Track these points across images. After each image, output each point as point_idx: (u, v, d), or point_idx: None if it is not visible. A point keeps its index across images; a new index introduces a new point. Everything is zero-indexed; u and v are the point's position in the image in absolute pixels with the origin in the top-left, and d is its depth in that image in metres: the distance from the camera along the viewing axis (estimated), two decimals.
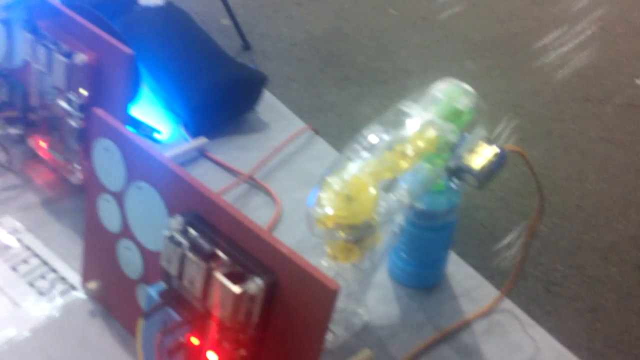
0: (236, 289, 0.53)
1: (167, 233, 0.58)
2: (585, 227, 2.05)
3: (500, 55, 2.78)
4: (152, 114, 1.02)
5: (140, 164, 0.64)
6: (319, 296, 0.53)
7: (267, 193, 0.91)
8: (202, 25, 1.15)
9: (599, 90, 2.59)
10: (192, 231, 0.58)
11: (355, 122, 0.65)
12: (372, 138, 0.65)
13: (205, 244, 0.56)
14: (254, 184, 0.92)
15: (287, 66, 2.66)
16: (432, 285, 0.79)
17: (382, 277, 0.79)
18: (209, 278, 0.56)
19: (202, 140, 0.97)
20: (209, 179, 0.90)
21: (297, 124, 1.02)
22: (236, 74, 1.01)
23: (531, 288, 1.87)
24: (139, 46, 1.05)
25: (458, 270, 0.81)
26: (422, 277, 0.78)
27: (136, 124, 0.93)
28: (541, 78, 2.66)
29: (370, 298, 0.76)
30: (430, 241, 0.74)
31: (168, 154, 0.93)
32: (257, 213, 0.87)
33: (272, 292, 0.55)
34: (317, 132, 1.00)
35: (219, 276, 0.54)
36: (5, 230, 0.82)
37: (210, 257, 0.56)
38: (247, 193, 0.90)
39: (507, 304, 0.77)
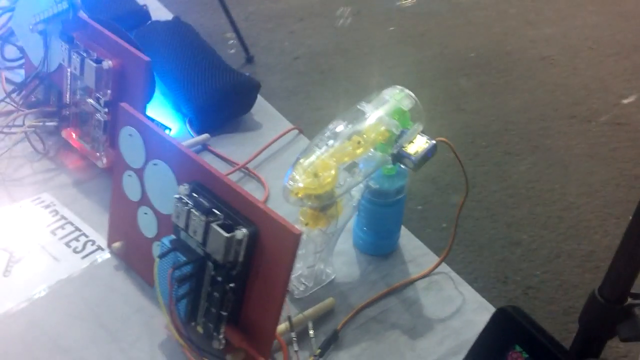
0: (226, 234, 0.76)
1: (177, 196, 0.81)
2: (565, 237, 2.27)
3: (493, 73, 3.02)
4: (163, 114, 1.24)
5: (156, 146, 0.87)
6: (287, 239, 0.75)
7: (258, 180, 1.12)
8: (207, 38, 1.37)
9: (586, 108, 2.82)
10: (195, 195, 0.81)
11: None
12: (335, 129, 0.89)
13: (204, 203, 0.79)
14: (247, 173, 1.13)
15: (288, 79, 2.90)
16: (387, 254, 1.01)
17: (347, 247, 1.02)
18: (207, 228, 0.78)
19: (205, 136, 1.18)
20: None
21: (285, 124, 1.24)
22: (234, 80, 1.22)
23: (510, 291, 2.09)
24: (151, 55, 1.29)
25: (409, 243, 1.03)
26: (378, 246, 1.01)
27: (150, 121, 1.17)
28: (531, 96, 2.90)
29: (337, 261, 0.99)
30: (383, 215, 0.97)
31: None
32: None
33: (254, 238, 0.78)
34: (301, 131, 1.24)
35: (214, 226, 0.77)
36: (45, 203, 1.05)
37: (208, 212, 0.78)
38: (242, 180, 1.12)
39: (445, 268, 0.99)
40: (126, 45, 1.00)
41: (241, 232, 0.76)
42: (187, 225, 0.80)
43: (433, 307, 0.94)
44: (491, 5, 3.52)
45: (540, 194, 2.42)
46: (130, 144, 0.90)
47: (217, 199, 0.80)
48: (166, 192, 0.87)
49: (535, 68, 3.06)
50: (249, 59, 2.94)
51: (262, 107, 1.28)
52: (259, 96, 1.26)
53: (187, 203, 0.80)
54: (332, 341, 0.88)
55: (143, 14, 1.40)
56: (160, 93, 1.28)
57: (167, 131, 1.17)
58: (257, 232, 0.77)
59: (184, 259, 0.81)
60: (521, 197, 2.41)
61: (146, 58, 0.98)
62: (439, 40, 3.23)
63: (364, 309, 0.93)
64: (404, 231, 1.03)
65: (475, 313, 0.92)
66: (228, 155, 1.16)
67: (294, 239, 0.75)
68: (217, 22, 3.05)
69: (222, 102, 1.21)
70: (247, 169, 1.14)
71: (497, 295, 2.07)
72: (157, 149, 0.87)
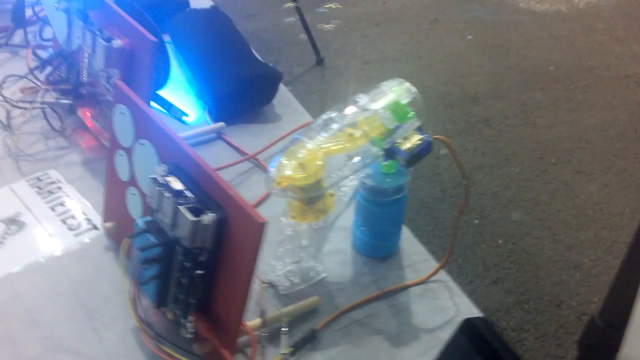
0: (192, 217, 0.74)
1: (152, 176, 0.79)
2: None
3: (572, 88, 2.89)
4: (184, 99, 1.23)
5: (143, 125, 0.85)
6: (253, 227, 0.72)
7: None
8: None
9: None
10: (170, 176, 0.79)
11: None
12: (328, 121, 0.85)
13: (176, 184, 0.77)
14: (257, 164, 1.11)
15: (356, 83, 2.86)
16: (386, 257, 0.96)
17: (345, 246, 0.97)
18: (176, 210, 0.76)
19: (220, 125, 1.16)
20: (220, 157, 1.11)
21: (307, 117, 1.22)
22: (255, 69, 1.20)
23: (563, 316, 1.98)
24: (182, 41, 1.29)
25: (411, 247, 0.97)
26: (376, 247, 0.95)
27: (169, 106, 1.16)
28: (610, 114, 2.75)
29: (330, 260, 0.94)
30: (381, 214, 0.92)
31: (190, 132, 1.14)
32: (255, 186, 1.06)
33: (222, 225, 0.75)
34: None
35: (182, 208, 0.75)
36: (50, 180, 1.06)
37: (178, 194, 0.76)
38: (250, 170, 1.09)
39: (444, 276, 0.93)
40: (136, 25, 0.99)
41: (208, 217, 0.74)
42: (159, 207, 0.78)
43: (423, 316, 0.88)
44: (577, 18, 3.38)
45: (609, 217, 2.29)
46: (121, 122, 0.89)
47: (192, 182, 0.78)
48: (150, 172, 0.85)
49: (617, 85, 2.91)
50: (320, 61, 2.91)
51: (285, 100, 1.25)
52: (282, 88, 1.23)
53: (160, 183, 0.78)
54: (309, 340, 0.84)
55: (181, 1, 1.40)
56: (185, 78, 1.27)
57: (184, 117, 1.16)
58: (226, 217, 0.75)
59: (155, 241, 0.79)
60: (587, 219, 2.29)
61: (153, 39, 0.97)
62: (517, 51, 3.12)
63: (349, 311, 0.88)
64: (407, 234, 0.98)
65: None
66: (242, 145, 1.14)
67: (259, 228, 0.71)
68: (292, 23, 3.05)
69: (241, 91, 1.19)
70: (256, 159, 1.11)
71: (548, 319, 1.96)
72: (144, 128, 0.85)
